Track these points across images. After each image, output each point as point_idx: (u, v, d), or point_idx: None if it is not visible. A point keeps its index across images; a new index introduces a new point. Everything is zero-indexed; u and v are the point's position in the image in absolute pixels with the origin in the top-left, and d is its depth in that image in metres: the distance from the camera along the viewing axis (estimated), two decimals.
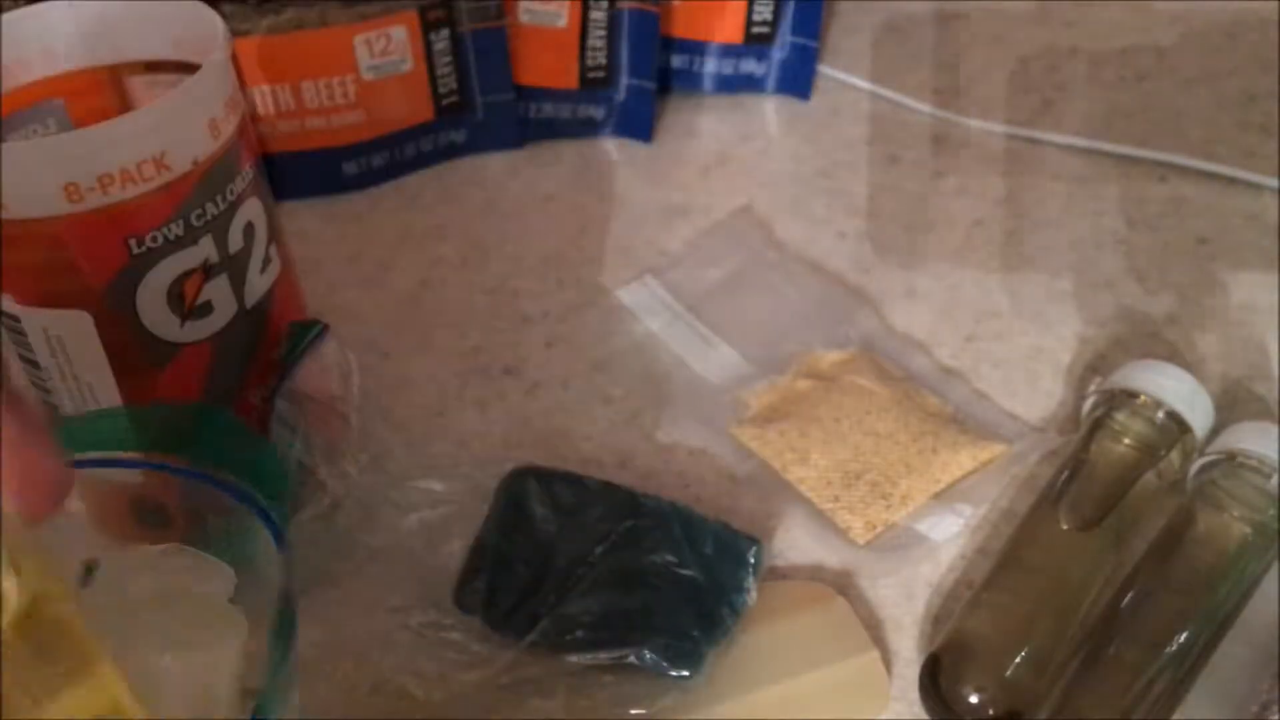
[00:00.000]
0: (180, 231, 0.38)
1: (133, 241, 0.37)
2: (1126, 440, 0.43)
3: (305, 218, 0.61)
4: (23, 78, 0.42)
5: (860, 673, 0.39)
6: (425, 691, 0.39)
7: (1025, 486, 0.45)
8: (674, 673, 0.38)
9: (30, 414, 0.24)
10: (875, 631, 0.41)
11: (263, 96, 0.59)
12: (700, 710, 0.38)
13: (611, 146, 0.64)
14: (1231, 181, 0.58)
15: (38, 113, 0.43)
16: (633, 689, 0.38)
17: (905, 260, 0.56)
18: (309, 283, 0.46)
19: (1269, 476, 0.40)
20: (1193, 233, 0.56)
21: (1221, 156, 0.59)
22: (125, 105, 0.44)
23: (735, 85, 0.67)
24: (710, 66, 0.66)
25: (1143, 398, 0.43)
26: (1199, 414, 0.43)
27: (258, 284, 0.41)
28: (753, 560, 0.41)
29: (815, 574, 0.43)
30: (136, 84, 0.44)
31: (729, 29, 0.65)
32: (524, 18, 0.62)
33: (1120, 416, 0.43)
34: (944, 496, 0.45)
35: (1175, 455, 0.43)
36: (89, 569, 0.34)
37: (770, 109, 0.66)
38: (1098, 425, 0.44)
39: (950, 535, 0.44)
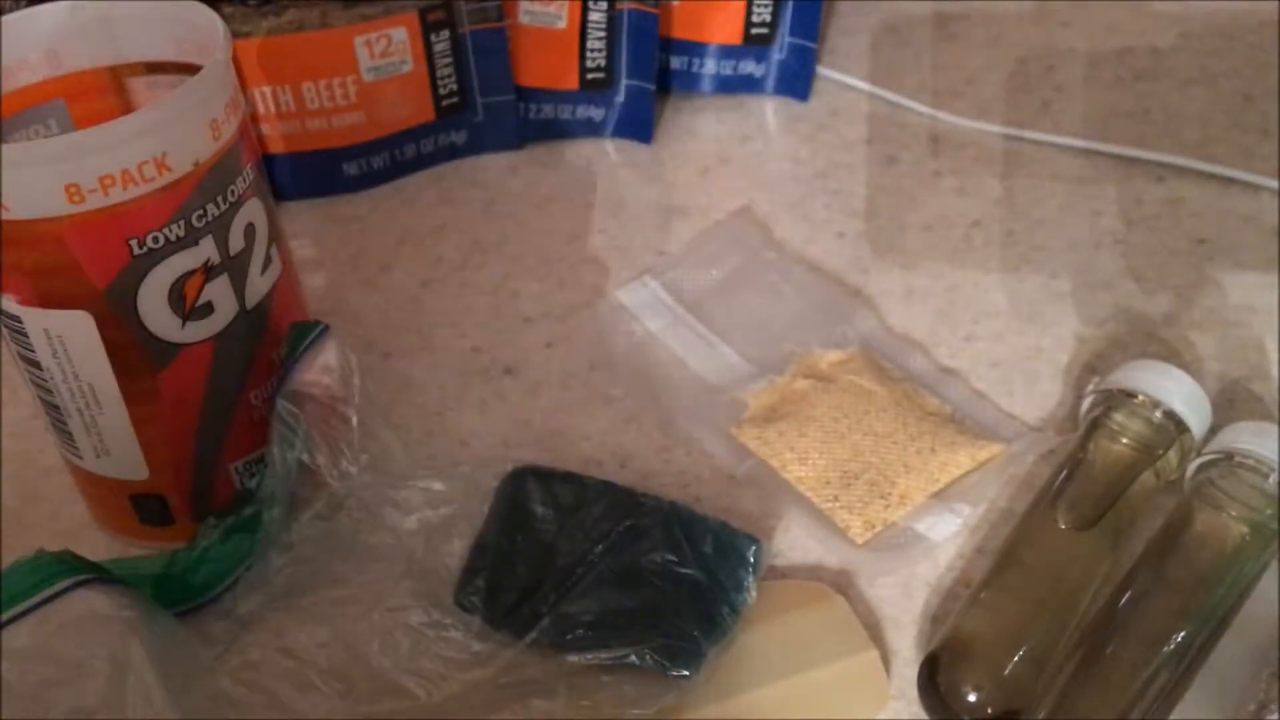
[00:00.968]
0: (181, 232, 0.38)
1: (134, 242, 0.37)
2: (1124, 440, 0.43)
3: (306, 218, 0.61)
4: (24, 79, 0.42)
5: (859, 672, 0.39)
6: (425, 691, 0.39)
7: (1023, 486, 0.45)
8: (674, 673, 0.38)
9: None
10: (874, 630, 0.41)
11: (263, 97, 0.59)
12: (700, 709, 0.38)
13: (611, 147, 0.65)
14: (1229, 182, 0.58)
15: (39, 113, 0.43)
16: (633, 689, 0.38)
17: (904, 260, 0.56)
18: (309, 283, 0.46)
19: (1267, 476, 0.40)
20: (1190, 233, 0.56)
21: (1219, 157, 0.60)
22: (126, 106, 0.44)
23: (734, 86, 0.67)
24: (709, 67, 0.66)
25: (1140, 397, 0.43)
26: (1197, 414, 0.43)
27: (258, 284, 0.42)
28: (753, 559, 0.41)
29: (814, 573, 0.43)
30: (138, 85, 0.44)
31: (728, 30, 0.65)
32: (524, 19, 0.62)
33: (1118, 416, 0.44)
34: (942, 496, 0.45)
35: (1173, 455, 0.43)
36: None
37: (769, 110, 0.66)
38: (1096, 425, 0.44)
39: (949, 535, 0.44)
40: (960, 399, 0.49)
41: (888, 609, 0.42)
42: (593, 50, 0.63)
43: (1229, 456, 0.41)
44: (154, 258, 0.38)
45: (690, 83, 0.67)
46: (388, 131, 0.62)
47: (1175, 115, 0.63)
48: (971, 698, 0.37)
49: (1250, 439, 0.41)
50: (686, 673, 0.38)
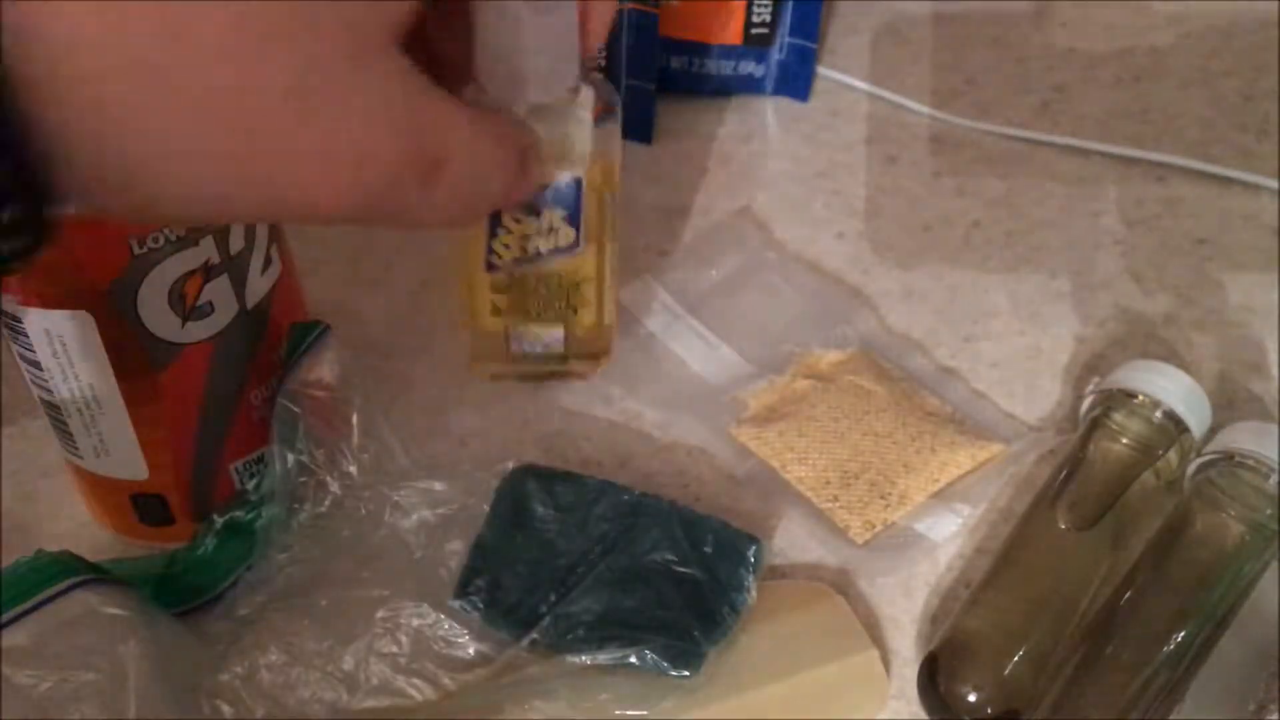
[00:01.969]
0: (182, 232, 0.38)
1: (134, 242, 0.37)
2: (1124, 440, 0.43)
3: None
4: None
5: (859, 671, 0.39)
6: (425, 691, 0.39)
7: (1023, 486, 0.45)
8: (674, 673, 0.38)
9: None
10: (874, 630, 0.41)
11: None
12: (700, 709, 0.38)
13: None
14: (1229, 182, 0.58)
15: None
16: (633, 689, 0.38)
17: (904, 260, 0.56)
18: (310, 283, 0.46)
19: (1266, 476, 0.40)
20: (1190, 233, 0.56)
21: (1219, 157, 0.60)
22: None
23: (734, 86, 0.67)
24: (709, 68, 0.66)
25: (1140, 397, 0.43)
26: (1196, 414, 0.43)
27: (259, 284, 0.42)
28: (753, 559, 0.41)
29: (814, 573, 0.43)
30: None
31: (728, 30, 0.65)
32: None
33: (1118, 416, 0.44)
34: (942, 496, 0.45)
35: (1173, 455, 0.43)
36: None
37: (769, 110, 0.66)
38: (1095, 425, 0.44)
39: (948, 535, 0.44)
40: (960, 399, 0.49)
41: (887, 609, 0.42)
42: None
43: (1229, 456, 0.41)
44: (154, 257, 0.38)
45: (690, 83, 0.67)
46: None
47: (1175, 115, 0.63)
48: (971, 697, 0.37)
49: (1250, 439, 0.41)
50: (687, 673, 0.38)
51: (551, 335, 0.43)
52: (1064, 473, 0.43)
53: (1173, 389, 0.43)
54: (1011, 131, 0.63)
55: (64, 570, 0.37)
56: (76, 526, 0.46)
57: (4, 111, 0.21)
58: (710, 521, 0.42)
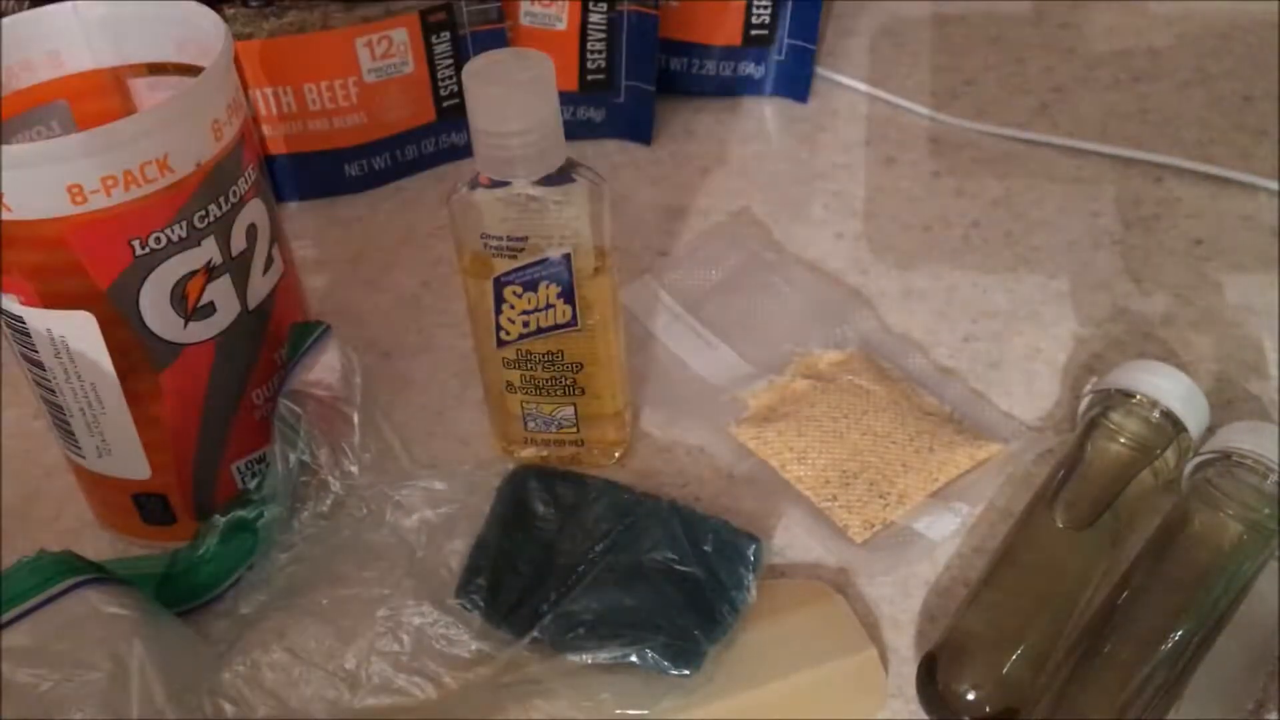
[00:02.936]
0: (183, 233, 0.38)
1: (136, 242, 0.37)
2: (1122, 439, 0.43)
3: (307, 219, 0.61)
4: (27, 80, 0.42)
5: (858, 670, 0.39)
6: (426, 690, 0.39)
7: (1021, 485, 0.45)
8: (674, 672, 0.39)
9: None
10: (873, 629, 0.41)
11: (265, 99, 0.59)
12: (700, 707, 0.38)
13: (611, 148, 0.65)
14: (1227, 183, 0.59)
15: (42, 114, 0.43)
16: (634, 687, 0.39)
17: (902, 261, 0.56)
18: (311, 284, 0.46)
19: (1264, 476, 0.41)
20: (1188, 234, 0.56)
21: (1217, 158, 0.60)
22: (129, 107, 0.44)
23: (734, 87, 0.67)
24: (709, 69, 0.67)
25: (1138, 397, 0.44)
26: (1194, 413, 0.43)
27: (260, 285, 0.42)
28: (753, 558, 0.41)
29: (813, 572, 0.43)
30: (140, 86, 0.44)
31: (727, 31, 0.65)
32: (524, 20, 0.63)
33: (1116, 416, 0.44)
34: (941, 495, 0.45)
35: (1170, 454, 0.43)
36: None
37: (769, 111, 0.67)
38: (1093, 425, 0.44)
39: (947, 534, 0.44)
40: (959, 399, 0.49)
41: (886, 608, 0.42)
42: (593, 51, 0.63)
43: (1226, 456, 0.41)
44: (156, 258, 0.38)
45: (690, 84, 0.67)
46: (389, 132, 0.62)
47: (1173, 116, 0.63)
48: (970, 696, 0.37)
49: (1247, 438, 0.41)
50: (687, 671, 0.39)
51: (562, 414, 0.45)
52: (1062, 472, 0.43)
53: (1170, 389, 0.43)
54: (1010, 132, 0.63)
55: (66, 570, 0.37)
56: (79, 525, 0.47)
57: None
58: (710, 521, 0.42)
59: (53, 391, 0.41)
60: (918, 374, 0.50)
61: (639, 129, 0.65)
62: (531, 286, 0.41)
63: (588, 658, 0.39)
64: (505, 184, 0.40)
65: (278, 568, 0.43)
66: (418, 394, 0.51)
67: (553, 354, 0.43)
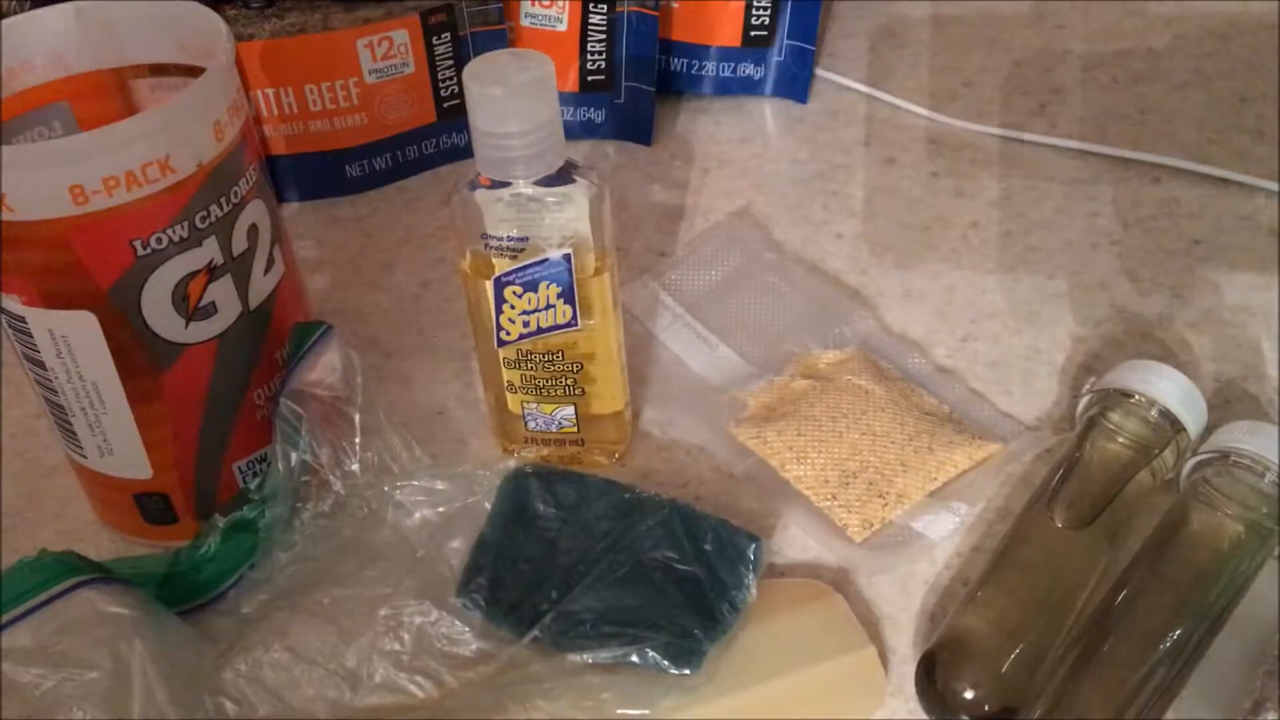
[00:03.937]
0: (185, 233, 0.38)
1: (137, 243, 0.37)
2: (1120, 439, 0.43)
3: (308, 219, 0.61)
4: (29, 81, 0.42)
5: (857, 669, 0.39)
6: (427, 689, 0.39)
7: (1020, 485, 0.46)
8: (675, 671, 0.39)
9: None
10: (872, 628, 0.41)
11: (266, 99, 0.59)
12: (700, 706, 0.38)
13: (611, 148, 0.65)
14: (1225, 183, 0.59)
15: (43, 115, 0.43)
16: (634, 688, 0.39)
17: (902, 261, 0.56)
18: (312, 284, 0.46)
19: (1262, 475, 0.41)
20: (1186, 234, 0.56)
21: (1215, 158, 0.60)
22: (130, 108, 0.44)
23: (733, 88, 0.67)
24: (709, 69, 0.67)
25: (1137, 397, 0.44)
26: (1192, 413, 0.44)
27: (261, 285, 0.42)
28: (753, 557, 0.41)
29: (813, 571, 0.43)
30: (141, 87, 0.44)
31: (727, 32, 0.66)
32: (525, 21, 0.63)
33: (1114, 416, 0.44)
34: (940, 495, 0.45)
35: (1169, 454, 0.43)
36: None
37: (768, 111, 0.67)
38: (1092, 424, 0.44)
39: (946, 533, 0.44)
40: (958, 398, 0.49)
41: (886, 607, 0.42)
42: (593, 52, 0.63)
43: (1224, 456, 0.41)
44: (158, 258, 0.38)
45: (690, 84, 0.67)
46: (390, 133, 0.62)
47: (1171, 117, 0.63)
48: (969, 695, 0.37)
49: (1246, 438, 0.42)
50: (687, 670, 0.39)
51: (562, 413, 0.45)
52: (1060, 472, 0.43)
53: (1169, 389, 0.44)
54: (1009, 133, 0.63)
55: (68, 569, 0.37)
56: (80, 525, 0.47)
57: None
58: (710, 520, 0.42)
59: (54, 391, 0.41)
60: (917, 374, 0.50)
61: (639, 129, 0.65)
62: (532, 286, 0.41)
63: (588, 657, 0.39)
64: (505, 184, 0.40)
65: (279, 567, 0.43)
66: (418, 394, 0.51)
67: (553, 354, 0.44)
